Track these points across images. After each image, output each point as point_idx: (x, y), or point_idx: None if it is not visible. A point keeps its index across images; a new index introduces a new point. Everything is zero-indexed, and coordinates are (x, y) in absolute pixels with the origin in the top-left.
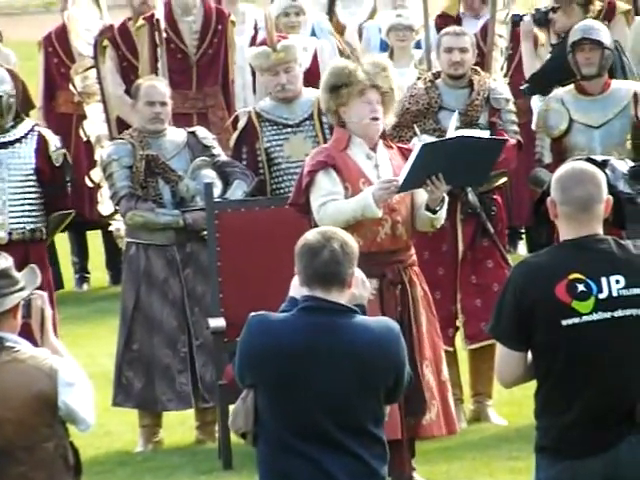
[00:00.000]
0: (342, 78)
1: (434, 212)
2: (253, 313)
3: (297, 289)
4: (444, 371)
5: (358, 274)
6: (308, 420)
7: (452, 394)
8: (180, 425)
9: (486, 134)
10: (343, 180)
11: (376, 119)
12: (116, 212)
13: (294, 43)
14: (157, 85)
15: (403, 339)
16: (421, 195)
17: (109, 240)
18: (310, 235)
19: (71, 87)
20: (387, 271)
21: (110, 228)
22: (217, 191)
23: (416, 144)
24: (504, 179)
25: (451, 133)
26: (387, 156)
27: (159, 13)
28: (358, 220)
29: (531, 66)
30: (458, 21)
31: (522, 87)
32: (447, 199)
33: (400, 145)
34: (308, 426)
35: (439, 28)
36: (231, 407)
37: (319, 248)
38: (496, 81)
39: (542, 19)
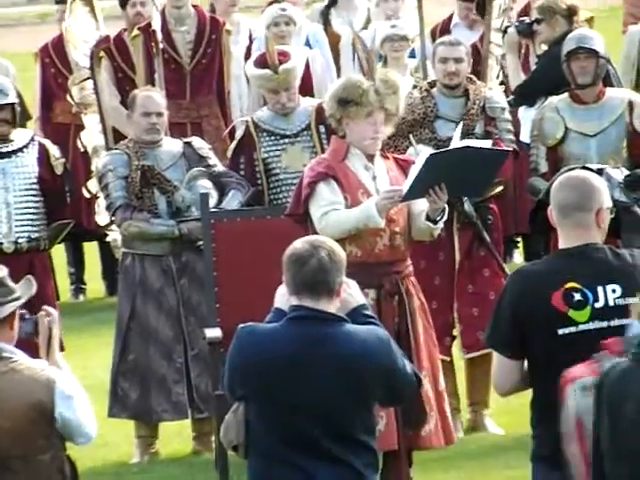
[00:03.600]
0: (353, 95)
1: (434, 222)
2: (241, 325)
3: (283, 299)
4: (441, 381)
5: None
6: (298, 430)
7: (449, 404)
8: (176, 436)
9: (489, 144)
10: (343, 191)
11: (377, 139)
12: (113, 223)
13: (295, 65)
14: (153, 96)
15: (395, 346)
16: (418, 205)
17: (106, 251)
18: (298, 244)
19: (68, 98)
20: (385, 282)
21: (107, 239)
22: (213, 201)
23: (421, 153)
24: (500, 188)
25: (456, 143)
26: (384, 167)
27: (155, 24)
28: (359, 230)
29: (516, 78)
30: None
31: (508, 99)
32: (447, 209)
33: (396, 156)
34: (298, 436)
35: None
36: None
37: (307, 257)
38: (492, 90)
39: (526, 30)
